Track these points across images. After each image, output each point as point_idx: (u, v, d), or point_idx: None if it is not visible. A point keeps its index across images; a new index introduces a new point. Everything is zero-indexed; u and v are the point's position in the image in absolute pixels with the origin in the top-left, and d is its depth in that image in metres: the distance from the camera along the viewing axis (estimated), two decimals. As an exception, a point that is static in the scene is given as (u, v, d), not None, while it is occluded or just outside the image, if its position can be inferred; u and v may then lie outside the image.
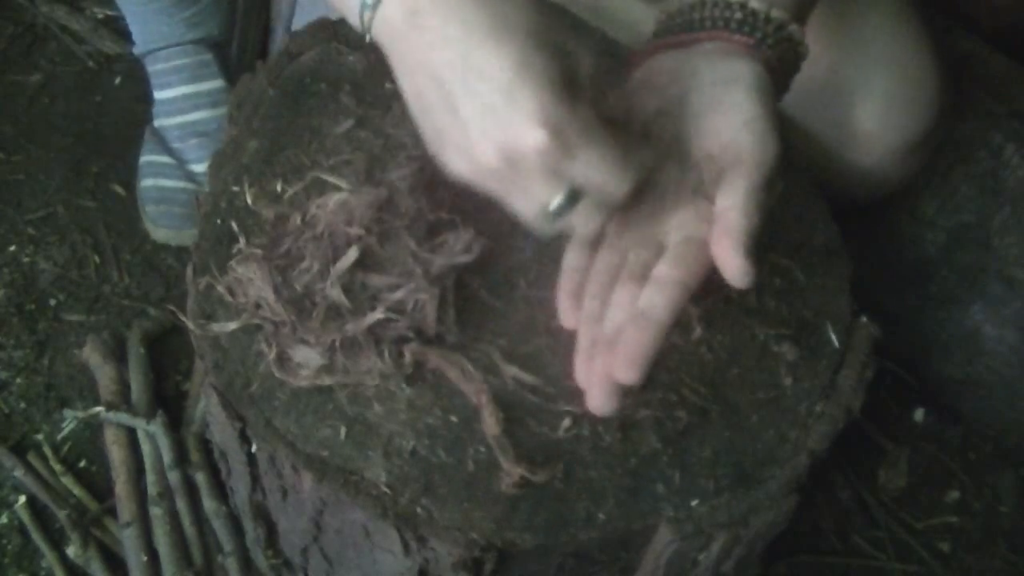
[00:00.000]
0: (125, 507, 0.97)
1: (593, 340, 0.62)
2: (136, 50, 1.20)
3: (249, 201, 0.74)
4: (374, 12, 0.57)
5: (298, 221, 0.72)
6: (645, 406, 0.68)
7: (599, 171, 0.56)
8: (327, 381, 0.67)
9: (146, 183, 1.16)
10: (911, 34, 0.89)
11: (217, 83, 1.18)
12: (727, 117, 0.61)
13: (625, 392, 0.61)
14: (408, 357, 0.68)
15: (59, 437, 1.04)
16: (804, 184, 0.81)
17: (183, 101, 1.18)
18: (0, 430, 1.03)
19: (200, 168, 1.15)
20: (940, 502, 1.10)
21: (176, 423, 1.02)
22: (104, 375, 1.04)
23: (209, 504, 0.97)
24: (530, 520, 0.64)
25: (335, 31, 0.83)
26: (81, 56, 1.32)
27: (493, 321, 0.71)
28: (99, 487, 1.01)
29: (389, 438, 0.66)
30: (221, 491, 0.96)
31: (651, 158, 0.60)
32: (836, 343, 0.74)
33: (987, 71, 1.01)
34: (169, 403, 1.04)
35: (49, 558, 0.96)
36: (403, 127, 0.78)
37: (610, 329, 0.61)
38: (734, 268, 0.59)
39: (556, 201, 0.58)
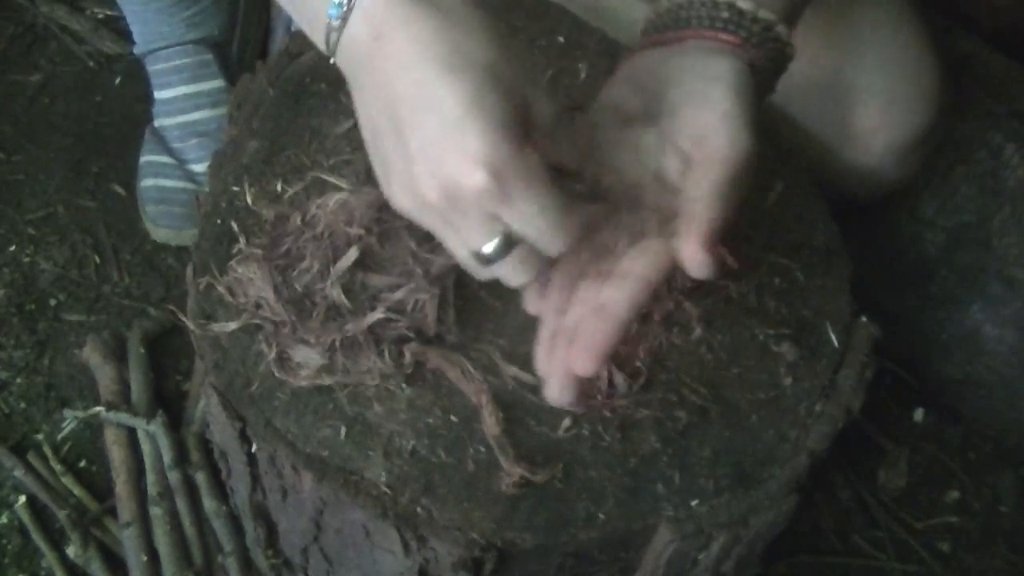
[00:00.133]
0: (125, 507, 0.97)
1: (555, 331, 0.62)
2: (136, 50, 1.20)
3: (249, 201, 0.74)
4: (340, 34, 0.56)
5: (298, 221, 0.72)
6: (645, 406, 0.68)
7: (536, 222, 0.55)
8: (327, 381, 0.67)
9: (146, 183, 1.16)
10: (911, 33, 0.89)
11: (217, 83, 1.18)
12: (702, 112, 0.61)
13: (582, 384, 0.60)
14: (408, 357, 0.68)
15: (59, 437, 1.04)
16: (804, 184, 0.81)
17: (183, 101, 1.18)
18: (0, 430, 1.03)
19: (200, 168, 1.15)
20: (940, 502, 1.10)
21: (176, 423, 1.02)
22: (104, 375, 1.04)
23: (209, 504, 0.97)
24: (530, 520, 0.64)
25: (335, 31, 0.83)
26: (81, 56, 1.32)
27: (493, 321, 0.71)
28: (99, 487, 1.01)
29: (389, 438, 0.66)
30: (221, 491, 0.96)
31: (596, 215, 0.60)
32: (836, 343, 0.74)
33: (987, 71, 1.01)
34: (169, 403, 1.04)
35: (49, 558, 0.96)
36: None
37: (571, 321, 0.61)
38: (693, 260, 0.59)
39: (490, 246, 0.57)
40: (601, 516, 0.65)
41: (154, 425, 1.00)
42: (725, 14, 0.65)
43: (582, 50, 0.84)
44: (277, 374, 0.67)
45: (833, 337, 0.74)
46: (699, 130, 0.60)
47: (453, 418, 0.67)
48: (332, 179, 0.75)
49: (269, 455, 0.68)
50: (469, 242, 0.57)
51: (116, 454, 1.00)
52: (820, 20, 0.84)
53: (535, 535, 0.64)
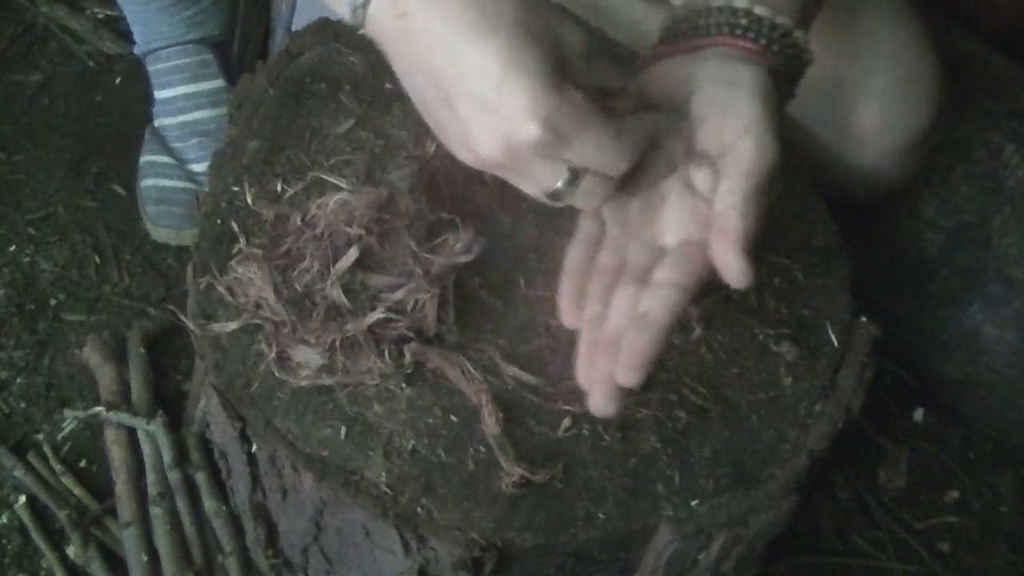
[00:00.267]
0: (125, 507, 0.97)
1: (594, 342, 0.62)
2: (137, 49, 1.20)
3: (249, 201, 0.74)
4: (364, 12, 0.58)
5: (298, 221, 0.72)
6: (645, 406, 0.68)
7: (596, 152, 0.57)
8: (327, 381, 0.67)
9: (146, 183, 1.16)
10: (911, 32, 0.89)
11: (218, 83, 1.18)
12: (728, 120, 0.61)
13: (626, 394, 0.61)
14: (408, 357, 0.68)
15: (59, 437, 1.04)
16: (804, 184, 0.81)
17: (183, 100, 1.18)
18: (0, 430, 1.03)
19: (200, 168, 1.15)
20: (940, 502, 1.10)
21: (176, 423, 1.02)
22: (104, 375, 1.04)
23: (209, 504, 0.97)
24: (530, 520, 0.64)
25: (335, 31, 0.83)
26: (81, 56, 1.32)
27: (493, 321, 0.71)
28: (99, 487, 1.01)
29: (389, 438, 0.66)
30: (221, 491, 0.96)
31: (651, 125, 0.61)
32: (836, 343, 0.74)
33: (987, 71, 1.01)
34: (169, 403, 1.04)
35: (49, 558, 0.96)
36: (403, 127, 0.78)
37: (611, 332, 0.62)
38: (732, 269, 0.59)
39: (559, 183, 0.59)
40: (601, 516, 0.65)
41: (154, 425, 1.00)
42: (744, 21, 0.65)
43: (582, 50, 0.84)
44: (277, 374, 0.67)
45: (833, 337, 0.74)
46: (725, 140, 0.61)
47: (453, 418, 0.67)
48: (332, 179, 0.75)
49: (269, 455, 0.68)
50: (539, 183, 0.59)
51: (116, 454, 1.00)
52: (820, 20, 0.84)
53: (535, 535, 0.64)
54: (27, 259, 1.15)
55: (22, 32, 1.34)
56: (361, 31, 0.59)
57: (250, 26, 1.25)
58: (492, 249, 0.73)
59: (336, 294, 0.68)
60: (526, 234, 0.75)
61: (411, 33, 0.56)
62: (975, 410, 1.13)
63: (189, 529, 0.96)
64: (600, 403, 0.61)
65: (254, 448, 0.70)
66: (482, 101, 0.55)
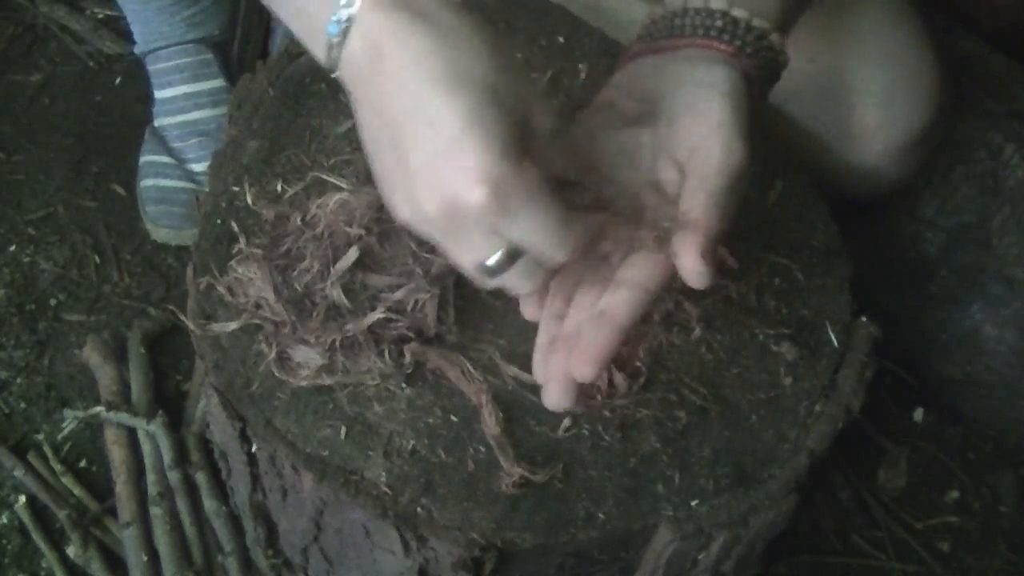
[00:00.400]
0: (125, 507, 0.97)
1: (553, 337, 0.62)
2: (137, 49, 1.20)
3: (249, 201, 0.74)
4: (340, 51, 0.56)
5: (298, 221, 0.72)
6: (645, 406, 0.68)
7: (539, 235, 0.56)
8: (327, 381, 0.67)
9: (146, 183, 1.16)
10: (910, 31, 0.89)
11: (218, 82, 1.18)
12: (697, 121, 0.61)
13: (581, 389, 0.60)
14: (408, 357, 0.68)
15: (59, 437, 1.04)
16: (804, 184, 0.81)
17: (184, 100, 1.18)
18: (0, 430, 1.03)
19: (200, 167, 1.15)
20: (940, 502, 1.10)
21: (176, 423, 1.02)
22: (104, 375, 1.04)
23: (209, 504, 0.97)
24: (530, 520, 0.64)
25: (335, 31, 0.83)
26: (81, 56, 1.32)
27: (493, 321, 0.71)
28: (99, 487, 1.01)
29: (389, 438, 0.66)
30: (221, 491, 0.96)
31: (598, 224, 0.60)
32: (836, 343, 0.74)
33: (987, 71, 1.01)
34: (169, 403, 1.04)
35: (49, 558, 0.96)
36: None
37: (570, 327, 0.61)
38: (689, 270, 0.59)
39: (494, 258, 0.57)
40: (601, 516, 0.65)
41: (154, 425, 1.00)
42: (719, 23, 0.65)
43: (582, 50, 0.84)
44: (277, 374, 0.67)
45: (833, 337, 0.74)
46: (693, 140, 0.61)
47: (453, 418, 0.67)
48: (332, 179, 0.75)
49: (269, 455, 0.68)
50: (473, 255, 0.57)
51: (116, 454, 1.00)
52: (819, 19, 0.85)
53: (535, 535, 0.64)
54: (27, 259, 1.15)
55: (22, 32, 1.34)
56: (334, 75, 0.58)
57: (250, 26, 1.25)
58: None
59: (336, 294, 0.68)
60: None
61: (380, 78, 0.55)
62: (975, 410, 1.13)
63: (189, 529, 0.96)
64: (554, 397, 0.60)
65: (254, 448, 0.70)
66: (434, 156, 0.53)
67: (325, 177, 0.75)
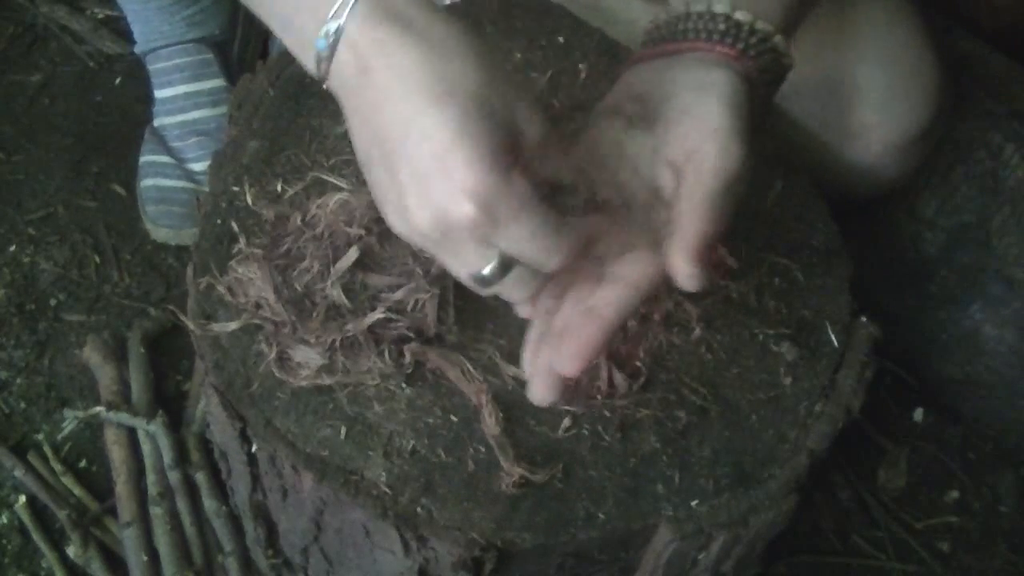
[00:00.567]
0: (125, 507, 0.97)
1: (543, 333, 0.62)
2: (137, 49, 1.20)
3: (249, 201, 0.74)
4: (329, 64, 0.56)
5: (298, 221, 0.72)
6: (645, 406, 0.68)
7: (530, 245, 0.56)
8: (327, 381, 0.67)
9: (146, 183, 1.16)
10: (909, 30, 0.89)
11: (218, 82, 1.18)
12: (695, 124, 0.61)
13: (567, 384, 0.60)
14: (408, 357, 0.68)
15: (59, 437, 1.04)
16: (804, 184, 0.81)
17: (184, 100, 1.18)
18: (0, 430, 1.03)
19: (200, 167, 1.15)
20: (940, 502, 1.10)
21: (176, 423, 1.02)
22: (104, 375, 1.04)
23: (209, 504, 0.97)
24: (530, 520, 0.64)
25: (335, 31, 0.83)
26: (81, 56, 1.32)
27: (493, 321, 0.71)
28: (99, 487, 1.01)
29: (389, 438, 0.66)
30: (221, 491, 0.96)
31: (592, 229, 0.60)
32: (836, 343, 0.74)
33: (987, 71, 1.01)
34: (169, 403, 1.04)
35: (49, 558, 0.96)
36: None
37: (559, 323, 0.61)
38: (679, 272, 0.59)
39: (487, 268, 0.57)
40: (601, 516, 0.65)
41: (154, 425, 1.00)
42: (722, 26, 0.65)
43: (582, 50, 0.84)
44: (277, 374, 0.67)
45: (833, 337, 0.74)
46: (690, 143, 0.61)
47: (453, 418, 0.67)
48: (332, 179, 0.75)
49: (269, 455, 0.68)
50: (466, 266, 0.58)
51: (116, 454, 1.00)
52: (819, 18, 0.84)
53: (535, 535, 0.64)
54: (27, 259, 1.15)
55: (22, 32, 1.34)
56: (324, 85, 0.58)
57: (250, 26, 1.25)
58: None
59: (336, 294, 0.68)
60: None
61: (369, 90, 0.55)
62: (975, 410, 1.13)
63: (189, 529, 0.96)
64: (540, 392, 0.60)
65: (254, 448, 0.70)
66: (422, 171, 0.53)
67: (325, 177, 0.75)
